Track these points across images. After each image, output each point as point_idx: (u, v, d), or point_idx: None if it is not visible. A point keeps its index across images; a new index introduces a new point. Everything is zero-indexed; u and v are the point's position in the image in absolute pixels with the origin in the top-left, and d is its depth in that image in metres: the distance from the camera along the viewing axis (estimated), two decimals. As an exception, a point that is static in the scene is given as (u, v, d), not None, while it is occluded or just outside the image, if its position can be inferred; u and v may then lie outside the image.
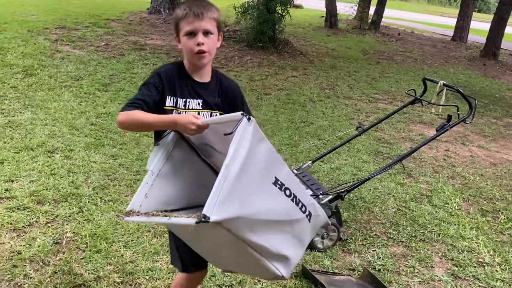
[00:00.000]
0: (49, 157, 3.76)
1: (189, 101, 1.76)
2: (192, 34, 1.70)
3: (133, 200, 1.62)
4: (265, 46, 9.27)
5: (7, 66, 6.05)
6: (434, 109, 3.63)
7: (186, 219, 1.38)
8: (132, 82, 6.17)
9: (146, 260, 2.67)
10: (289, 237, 1.63)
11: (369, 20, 15.32)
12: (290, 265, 1.64)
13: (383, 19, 16.05)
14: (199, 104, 1.78)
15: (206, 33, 1.71)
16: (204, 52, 1.70)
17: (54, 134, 4.22)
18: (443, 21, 24.91)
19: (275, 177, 1.52)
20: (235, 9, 9.70)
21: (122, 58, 7.34)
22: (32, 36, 7.83)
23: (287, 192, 1.56)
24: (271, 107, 6.02)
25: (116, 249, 2.73)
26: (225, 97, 1.84)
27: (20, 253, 2.58)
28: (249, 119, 1.44)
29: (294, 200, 1.59)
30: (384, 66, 9.92)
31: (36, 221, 2.90)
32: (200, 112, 1.77)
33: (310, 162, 3.54)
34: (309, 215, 1.67)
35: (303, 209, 1.64)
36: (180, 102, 1.75)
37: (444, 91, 3.26)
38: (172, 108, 1.74)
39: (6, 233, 2.74)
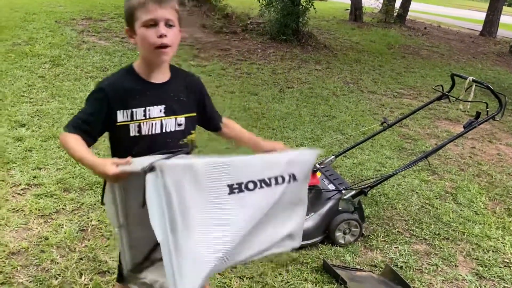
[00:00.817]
0: (75, 146, 3.83)
1: (149, 109, 1.52)
2: (151, 23, 1.46)
3: (121, 268, 1.57)
4: (289, 39, 9.21)
5: (35, 56, 6.18)
6: (462, 105, 3.55)
7: None
8: (156, 73, 6.21)
9: (168, 249, 2.70)
10: (280, 216, 1.50)
11: (395, 14, 15.08)
12: (296, 234, 1.56)
13: (409, 13, 15.76)
14: (161, 111, 1.54)
15: (168, 24, 1.48)
16: (167, 46, 1.48)
17: (80, 123, 4.29)
18: (472, 15, 24.32)
19: (227, 185, 1.34)
20: (259, 1, 9.67)
21: (147, 50, 7.39)
22: (60, 27, 7.98)
23: (250, 186, 1.38)
24: (293, 101, 5.99)
25: (140, 238, 2.77)
26: (190, 93, 1.64)
27: (48, 239, 2.65)
28: (152, 168, 1.24)
29: (262, 184, 1.41)
30: (410, 60, 9.75)
31: (63, 208, 2.97)
32: (163, 120, 1.54)
33: (333, 156, 3.51)
34: (291, 176, 1.48)
35: (279, 180, 1.45)
36: (139, 112, 1.51)
37: (473, 87, 3.18)
38: (128, 122, 1.50)
39: (34, 219, 2.82)
